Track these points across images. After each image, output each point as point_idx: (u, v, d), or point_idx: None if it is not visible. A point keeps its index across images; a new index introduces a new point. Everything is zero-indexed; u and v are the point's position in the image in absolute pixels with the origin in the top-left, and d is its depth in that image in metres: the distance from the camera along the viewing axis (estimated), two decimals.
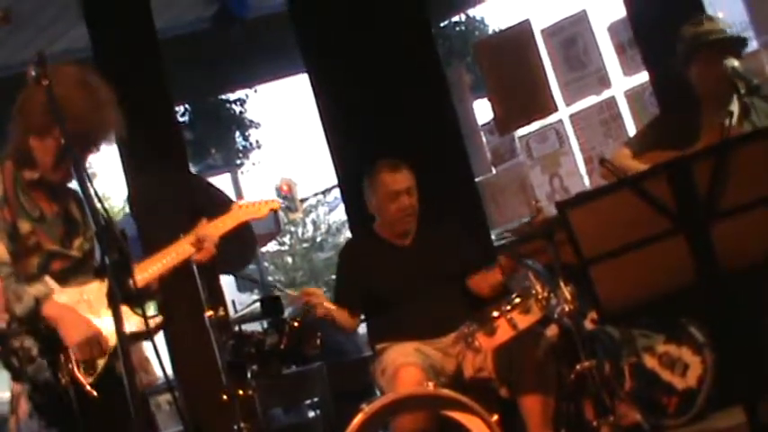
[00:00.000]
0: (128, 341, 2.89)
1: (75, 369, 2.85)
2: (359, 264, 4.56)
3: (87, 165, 3.14)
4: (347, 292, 4.54)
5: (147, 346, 3.12)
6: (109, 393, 2.86)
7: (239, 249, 3.77)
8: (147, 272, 3.12)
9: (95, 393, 2.84)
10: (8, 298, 2.85)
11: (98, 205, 2.81)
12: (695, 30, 4.27)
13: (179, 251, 3.26)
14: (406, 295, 4.37)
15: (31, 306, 2.86)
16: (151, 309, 3.23)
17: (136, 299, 2.71)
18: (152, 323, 3.04)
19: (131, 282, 2.45)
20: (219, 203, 4.03)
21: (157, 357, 2.85)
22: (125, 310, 2.80)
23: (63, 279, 2.99)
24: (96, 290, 2.97)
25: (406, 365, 4.07)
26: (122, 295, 2.40)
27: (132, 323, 2.85)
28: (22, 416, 2.91)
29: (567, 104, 7.26)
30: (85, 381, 2.85)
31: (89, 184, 2.58)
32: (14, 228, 2.94)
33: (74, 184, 3.13)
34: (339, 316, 4.39)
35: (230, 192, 16.07)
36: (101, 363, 2.90)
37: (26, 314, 2.86)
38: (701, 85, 4.27)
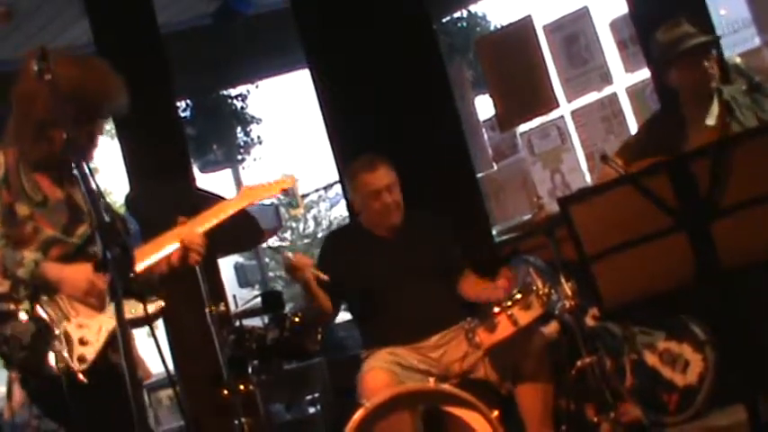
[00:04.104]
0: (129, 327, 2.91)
1: (69, 358, 2.84)
2: (342, 252, 4.49)
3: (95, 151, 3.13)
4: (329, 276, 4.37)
5: (139, 344, 3.10)
6: (102, 383, 2.86)
7: (243, 231, 3.74)
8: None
9: (85, 380, 2.82)
10: (7, 265, 2.84)
11: (101, 199, 2.82)
12: (668, 36, 4.32)
13: (165, 247, 3.21)
14: (388, 286, 4.31)
15: (33, 268, 2.86)
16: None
17: (137, 288, 2.71)
18: (153, 308, 3.04)
19: (132, 276, 2.45)
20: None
21: (158, 352, 2.85)
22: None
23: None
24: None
25: (371, 370, 4.07)
26: (124, 289, 2.40)
27: (130, 309, 2.84)
28: (16, 405, 2.91)
29: (569, 101, 7.25)
30: (79, 368, 2.84)
31: (91, 179, 2.57)
32: (12, 211, 2.94)
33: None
34: (318, 290, 4.26)
35: (231, 187, 16.05)
36: (92, 353, 2.89)
37: (29, 277, 2.86)
38: (682, 89, 4.34)
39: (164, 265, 3.21)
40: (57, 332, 2.86)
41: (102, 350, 2.91)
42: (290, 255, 4.28)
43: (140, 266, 3.01)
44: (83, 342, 2.89)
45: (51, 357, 2.82)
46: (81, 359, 2.86)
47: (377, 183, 4.42)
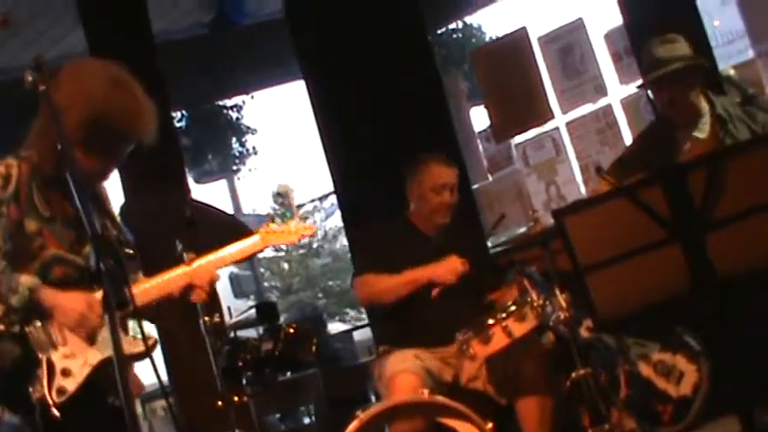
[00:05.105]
0: (126, 362, 2.87)
1: (47, 389, 2.79)
2: (386, 241, 4.46)
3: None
4: (379, 259, 4.36)
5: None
6: (85, 411, 2.82)
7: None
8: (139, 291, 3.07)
9: (58, 415, 2.77)
10: (2, 290, 2.81)
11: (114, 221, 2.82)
12: (648, 57, 4.32)
13: (171, 282, 3.20)
14: (424, 286, 4.29)
15: (26, 295, 2.83)
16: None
17: (133, 312, 2.69)
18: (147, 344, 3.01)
19: (127, 290, 2.43)
20: (215, 221, 4.02)
21: (152, 363, 2.83)
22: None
23: (63, 286, 2.93)
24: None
25: (402, 372, 4.05)
26: (117, 302, 2.38)
27: (125, 345, 2.82)
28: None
29: (564, 112, 7.27)
30: (56, 400, 2.79)
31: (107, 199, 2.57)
32: (20, 226, 2.90)
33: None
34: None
35: (226, 198, 16.05)
36: (74, 385, 2.84)
37: (22, 305, 2.83)
38: (666, 110, 4.36)
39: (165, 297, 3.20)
40: (40, 358, 2.82)
41: (84, 383, 2.86)
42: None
43: (143, 300, 3.00)
44: (65, 373, 2.84)
45: (30, 385, 2.79)
46: (60, 391, 2.81)
47: (445, 177, 4.47)
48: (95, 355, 2.89)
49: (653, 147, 4.38)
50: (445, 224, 4.49)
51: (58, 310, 2.87)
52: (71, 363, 2.86)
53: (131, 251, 3.19)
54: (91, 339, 2.90)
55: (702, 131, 4.28)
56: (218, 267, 3.35)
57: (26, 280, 2.85)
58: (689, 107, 4.28)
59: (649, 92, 4.51)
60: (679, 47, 4.29)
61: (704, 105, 4.31)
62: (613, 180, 4.20)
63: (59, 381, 2.82)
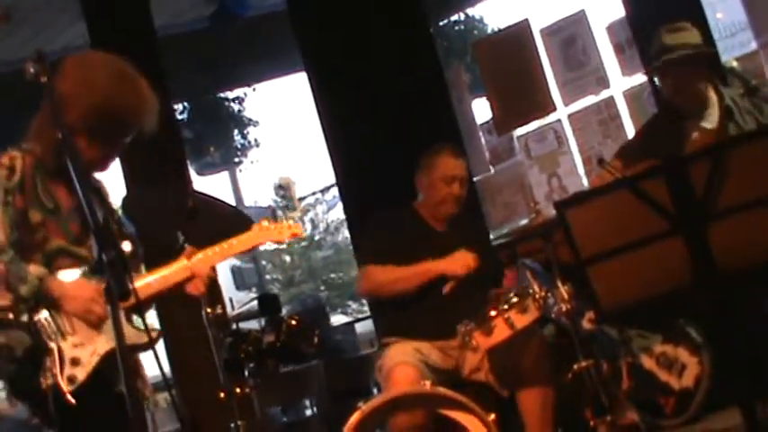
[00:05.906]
0: (128, 352, 2.88)
1: (59, 376, 2.81)
2: (392, 233, 4.46)
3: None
4: (383, 248, 4.38)
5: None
6: (93, 405, 2.84)
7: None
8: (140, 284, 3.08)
9: (73, 401, 2.79)
10: (11, 280, 2.83)
11: (110, 202, 2.83)
12: (656, 44, 4.30)
13: (172, 275, 3.23)
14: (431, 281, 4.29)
15: (36, 285, 2.85)
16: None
17: (135, 306, 2.70)
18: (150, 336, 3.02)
19: (128, 281, 2.43)
20: (218, 213, 4.02)
21: (154, 355, 2.84)
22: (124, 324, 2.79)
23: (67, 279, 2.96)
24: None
25: (400, 364, 4.06)
26: (119, 293, 2.39)
27: (130, 336, 2.85)
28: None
29: (566, 104, 7.26)
30: (66, 388, 2.81)
31: (89, 181, 2.57)
32: (24, 217, 2.92)
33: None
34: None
35: (228, 190, 16.05)
36: (83, 374, 2.86)
37: (31, 294, 2.85)
38: (672, 96, 4.33)
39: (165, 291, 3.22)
40: (51, 347, 2.84)
41: (94, 372, 2.88)
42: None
43: (145, 293, 3.02)
44: (74, 362, 2.86)
45: (40, 374, 2.80)
46: (71, 379, 2.83)
47: (456, 170, 4.48)
48: (103, 345, 2.91)
49: (659, 137, 4.36)
50: (452, 215, 4.49)
51: (67, 300, 2.90)
52: (80, 352, 2.89)
53: (133, 247, 3.19)
54: (99, 328, 2.92)
55: (710, 122, 4.26)
56: (216, 261, 3.38)
57: (35, 269, 2.88)
58: (695, 95, 4.26)
59: (656, 79, 4.49)
60: (688, 35, 4.27)
61: (712, 96, 4.29)
62: (617, 170, 4.19)
63: (69, 369, 2.85)
